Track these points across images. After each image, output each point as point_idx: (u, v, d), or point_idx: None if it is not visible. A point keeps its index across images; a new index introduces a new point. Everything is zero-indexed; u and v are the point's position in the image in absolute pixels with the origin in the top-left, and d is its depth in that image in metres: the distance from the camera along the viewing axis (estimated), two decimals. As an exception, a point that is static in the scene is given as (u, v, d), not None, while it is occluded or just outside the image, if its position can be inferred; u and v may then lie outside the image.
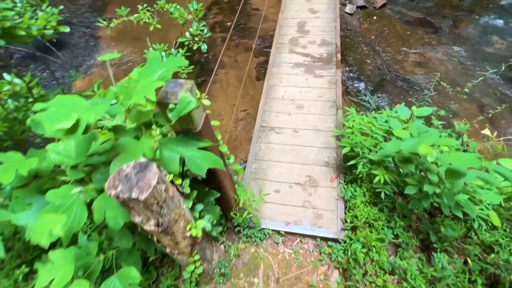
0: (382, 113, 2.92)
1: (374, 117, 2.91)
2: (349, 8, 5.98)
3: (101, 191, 1.39)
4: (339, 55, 3.73)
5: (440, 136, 2.18)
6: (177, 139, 1.45)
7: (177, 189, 1.38)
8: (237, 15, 3.93)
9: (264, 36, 5.54)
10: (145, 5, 4.70)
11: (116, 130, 1.43)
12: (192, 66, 4.37)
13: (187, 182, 1.42)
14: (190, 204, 1.47)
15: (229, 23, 6.04)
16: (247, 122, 4.39)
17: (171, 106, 1.29)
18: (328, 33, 4.10)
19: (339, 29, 4.07)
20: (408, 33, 5.74)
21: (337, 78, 3.46)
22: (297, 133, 3.06)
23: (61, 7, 2.02)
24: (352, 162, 2.45)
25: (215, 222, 1.77)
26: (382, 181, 2.20)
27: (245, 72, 5.18)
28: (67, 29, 1.96)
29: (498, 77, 4.43)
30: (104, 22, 4.39)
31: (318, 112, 3.20)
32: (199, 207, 1.60)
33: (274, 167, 2.83)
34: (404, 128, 2.55)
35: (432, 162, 1.99)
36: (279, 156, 2.90)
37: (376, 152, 2.47)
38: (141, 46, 5.51)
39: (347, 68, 4.80)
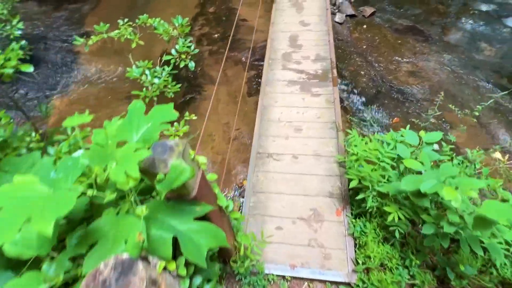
0: (386, 135, 2.75)
1: (378, 139, 2.74)
2: (338, 17, 5.86)
3: (75, 258, 1.13)
4: (335, 71, 3.56)
5: (459, 172, 2.01)
6: (168, 208, 1.19)
7: (170, 273, 1.12)
8: (233, 29, 3.67)
9: (254, 48, 5.32)
10: (126, 20, 4.40)
11: (92, 204, 1.16)
12: (179, 85, 4.12)
13: (182, 260, 1.17)
14: (187, 284, 1.21)
15: (216, 35, 5.80)
16: (241, 142, 4.15)
17: (159, 176, 1.04)
18: (322, 47, 3.93)
19: (333, 42, 3.91)
20: (399, 41, 5.67)
21: (335, 97, 3.28)
22: (296, 160, 2.84)
23: (23, 41, 1.73)
24: (360, 197, 2.25)
25: (215, 290, 1.51)
26: (396, 219, 2.01)
27: (235, 87, 4.96)
28: (30, 69, 1.67)
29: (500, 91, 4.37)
30: (81, 40, 4.06)
31: (318, 135, 3.00)
32: (197, 280, 1.34)
33: (275, 200, 2.60)
34: (412, 152, 2.39)
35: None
36: (279, 187, 2.68)
37: (385, 182, 2.29)
38: (124, 61, 5.19)
39: (342, 81, 4.64)
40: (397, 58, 5.33)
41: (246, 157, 4.07)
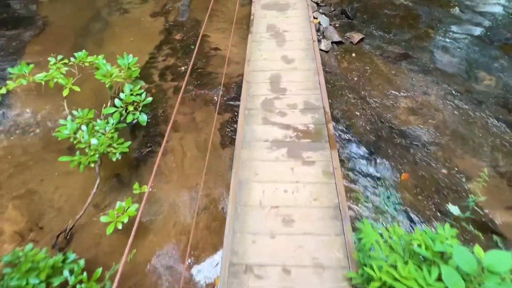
0: (413, 235, 1.93)
1: (410, 245, 1.90)
2: (324, 45, 5.16)
3: None
4: (331, 127, 2.73)
5: None
6: None
7: None
8: (192, 59, 2.74)
9: (227, 85, 4.44)
10: (60, 57, 3.41)
11: None
12: (129, 143, 3.13)
13: None
14: None
15: (183, 68, 4.88)
16: (211, 214, 3.17)
17: None
18: (312, 92, 3.11)
19: (324, 84, 3.10)
20: (393, 72, 5.02)
21: (335, 166, 2.43)
22: (289, 276, 1.92)
23: None
24: None
25: None
26: None
27: (206, 135, 4.02)
28: None
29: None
30: (-9, 87, 3.02)
31: (317, 229, 2.10)
32: None
33: None
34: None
35: None
36: (265, 331, 1.73)
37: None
38: (67, 101, 4.08)
39: (335, 125, 3.83)
40: (393, 91, 4.64)
41: (220, 236, 3.09)
